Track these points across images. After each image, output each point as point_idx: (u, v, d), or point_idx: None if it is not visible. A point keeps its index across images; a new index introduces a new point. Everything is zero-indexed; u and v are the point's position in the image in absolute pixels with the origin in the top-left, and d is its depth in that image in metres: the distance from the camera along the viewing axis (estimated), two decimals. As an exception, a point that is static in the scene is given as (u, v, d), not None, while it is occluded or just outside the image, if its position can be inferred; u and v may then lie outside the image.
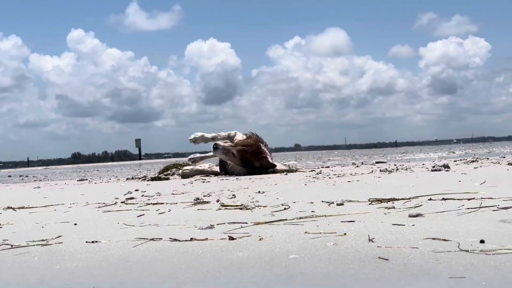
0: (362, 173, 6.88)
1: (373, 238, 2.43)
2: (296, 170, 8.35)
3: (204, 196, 4.76)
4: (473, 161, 8.49)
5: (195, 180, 7.33)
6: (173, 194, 5.23)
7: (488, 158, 9.39)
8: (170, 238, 2.71)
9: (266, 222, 3.03)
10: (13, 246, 2.78)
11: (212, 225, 3.01)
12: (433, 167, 6.86)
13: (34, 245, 2.78)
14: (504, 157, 10.30)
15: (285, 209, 3.56)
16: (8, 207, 4.64)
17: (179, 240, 2.66)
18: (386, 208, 3.38)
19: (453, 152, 22.29)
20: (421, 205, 3.42)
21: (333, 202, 3.69)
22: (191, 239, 2.67)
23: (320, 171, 8.01)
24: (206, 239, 2.65)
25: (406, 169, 7.21)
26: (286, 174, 7.67)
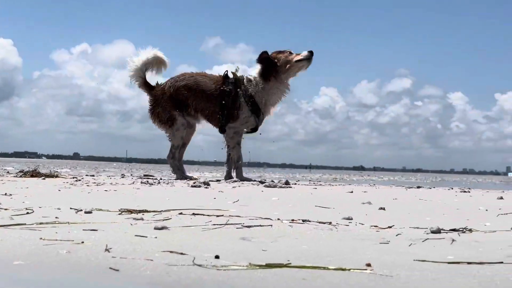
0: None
1: (110, 248, 2.35)
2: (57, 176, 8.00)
3: None
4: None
5: None
6: None
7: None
8: None
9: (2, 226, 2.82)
10: None
11: None
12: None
13: None
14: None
15: (27, 213, 3.35)
16: None
17: None
18: (134, 219, 3.33)
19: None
20: (171, 218, 3.41)
21: (81, 210, 3.56)
22: None
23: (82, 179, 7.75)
24: None
25: (168, 183, 7.24)
26: (44, 179, 7.32)
